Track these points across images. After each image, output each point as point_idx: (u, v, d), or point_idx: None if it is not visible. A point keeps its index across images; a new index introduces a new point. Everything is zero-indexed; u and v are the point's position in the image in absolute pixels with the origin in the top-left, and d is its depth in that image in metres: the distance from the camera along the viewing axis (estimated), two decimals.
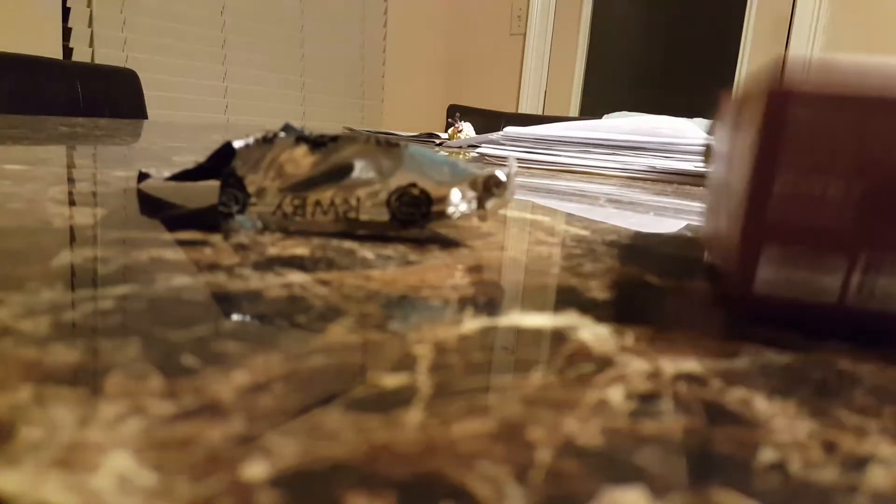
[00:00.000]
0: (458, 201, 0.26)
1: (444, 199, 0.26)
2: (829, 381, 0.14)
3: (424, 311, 0.17)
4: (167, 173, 0.31)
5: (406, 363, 0.13)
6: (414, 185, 0.26)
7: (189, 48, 1.87)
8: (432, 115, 2.63)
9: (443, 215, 0.26)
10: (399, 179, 0.26)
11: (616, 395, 0.12)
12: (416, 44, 2.60)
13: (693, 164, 0.63)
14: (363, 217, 0.26)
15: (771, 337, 0.16)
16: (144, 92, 1.20)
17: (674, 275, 0.23)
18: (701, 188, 0.58)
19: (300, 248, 0.22)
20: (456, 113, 1.18)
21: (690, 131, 0.67)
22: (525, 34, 2.50)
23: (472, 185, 0.27)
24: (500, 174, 0.26)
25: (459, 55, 2.68)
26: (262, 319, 0.15)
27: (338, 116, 2.33)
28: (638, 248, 0.27)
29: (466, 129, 1.07)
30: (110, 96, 1.02)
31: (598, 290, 0.20)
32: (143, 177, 0.32)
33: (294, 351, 0.13)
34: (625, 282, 0.21)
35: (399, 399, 0.11)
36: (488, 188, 0.27)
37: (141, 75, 1.22)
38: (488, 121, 1.50)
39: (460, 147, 0.93)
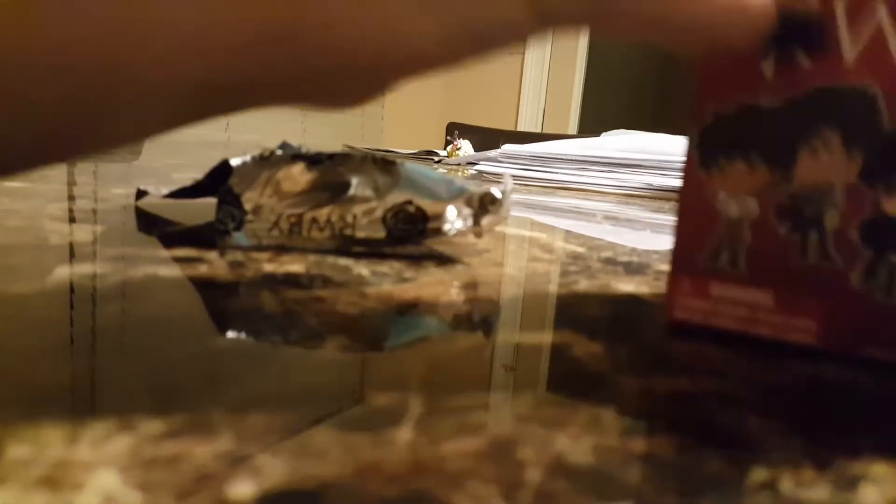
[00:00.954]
0: (454, 218, 0.26)
1: (439, 217, 0.26)
2: (822, 399, 0.14)
3: (418, 329, 0.17)
4: (165, 190, 0.31)
5: (398, 381, 0.13)
6: (410, 202, 0.26)
7: None
8: (432, 133, 2.65)
9: (438, 232, 0.26)
10: (395, 197, 0.26)
11: (608, 413, 0.12)
12: None
13: None
14: (359, 234, 0.26)
15: (763, 355, 0.16)
16: None
17: None
18: None
19: (296, 266, 0.22)
20: (454, 131, 1.19)
21: None
22: (524, 53, 2.53)
23: (468, 203, 0.27)
24: (496, 191, 0.27)
25: (459, 73, 2.71)
26: (254, 337, 0.15)
27: (338, 134, 2.34)
28: (633, 265, 0.27)
29: (465, 147, 1.08)
30: None
31: (592, 308, 0.20)
32: (140, 194, 0.32)
33: (285, 368, 0.13)
34: (619, 299, 0.21)
35: (390, 417, 0.11)
36: (484, 205, 0.27)
37: None
38: (487, 138, 1.50)
39: (459, 164, 0.93)
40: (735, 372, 0.15)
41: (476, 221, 0.27)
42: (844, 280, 0.15)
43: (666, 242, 0.36)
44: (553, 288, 0.22)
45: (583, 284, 0.23)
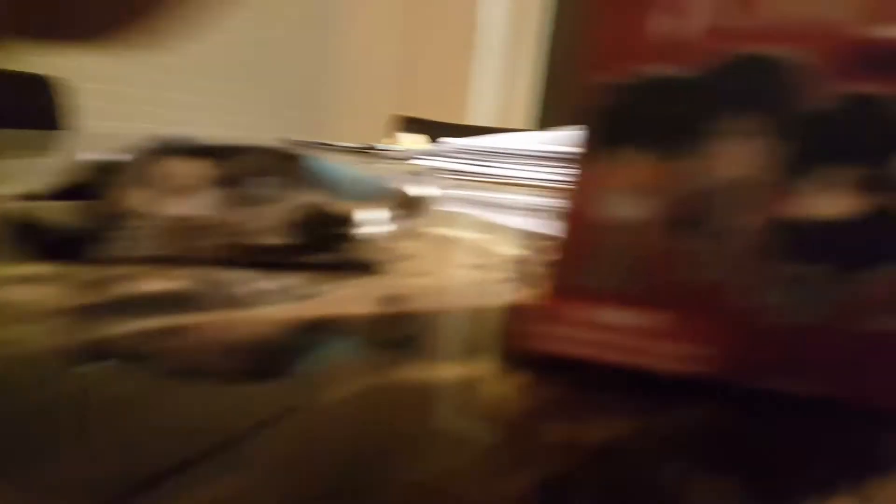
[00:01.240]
0: (371, 221, 0.23)
1: (354, 219, 0.23)
2: (780, 446, 0.12)
3: (303, 364, 0.14)
4: (41, 191, 0.27)
5: (252, 444, 0.10)
6: (320, 203, 0.23)
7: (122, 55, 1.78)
8: (384, 126, 2.60)
9: (353, 237, 0.23)
10: (304, 197, 0.23)
11: (522, 479, 0.09)
12: (368, 53, 2.57)
13: None
14: (260, 241, 0.22)
15: (708, 385, 0.14)
16: (79, 102, 1.13)
17: None
18: None
19: (174, 282, 0.19)
20: (400, 124, 1.15)
21: None
22: (479, 46, 2.51)
23: (387, 203, 0.24)
24: (418, 190, 0.24)
25: (413, 67, 2.67)
26: (97, 381, 0.11)
27: (282, 127, 2.27)
28: None
29: (409, 140, 1.05)
30: (22, 105, 0.95)
31: None
32: (13, 197, 0.28)
33: (104, 433, 0.10)
34: None
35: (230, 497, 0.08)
36: (405, 205, 0.24)
37: (71, 83, 1.15)
38: (436, 132, 1.47)
39: (400, 159, 0.90)
40: (679, 406, 0.13)
41: (397, 223, 0.24)
42: (757, 296, 0.13)
43: None
44: (479, 302, 0.20)
45: (515, 297, 0.20)
